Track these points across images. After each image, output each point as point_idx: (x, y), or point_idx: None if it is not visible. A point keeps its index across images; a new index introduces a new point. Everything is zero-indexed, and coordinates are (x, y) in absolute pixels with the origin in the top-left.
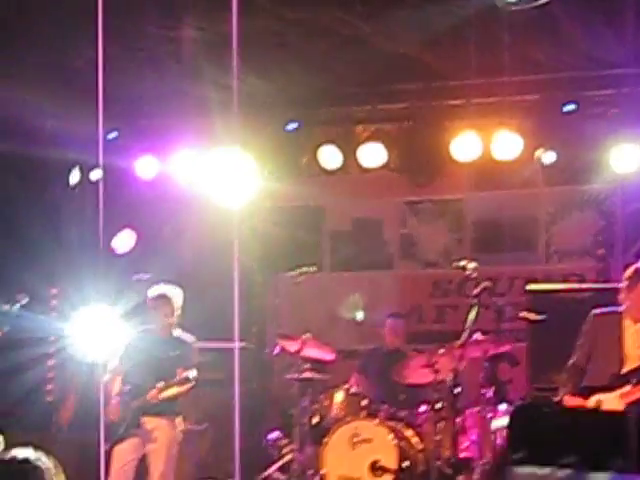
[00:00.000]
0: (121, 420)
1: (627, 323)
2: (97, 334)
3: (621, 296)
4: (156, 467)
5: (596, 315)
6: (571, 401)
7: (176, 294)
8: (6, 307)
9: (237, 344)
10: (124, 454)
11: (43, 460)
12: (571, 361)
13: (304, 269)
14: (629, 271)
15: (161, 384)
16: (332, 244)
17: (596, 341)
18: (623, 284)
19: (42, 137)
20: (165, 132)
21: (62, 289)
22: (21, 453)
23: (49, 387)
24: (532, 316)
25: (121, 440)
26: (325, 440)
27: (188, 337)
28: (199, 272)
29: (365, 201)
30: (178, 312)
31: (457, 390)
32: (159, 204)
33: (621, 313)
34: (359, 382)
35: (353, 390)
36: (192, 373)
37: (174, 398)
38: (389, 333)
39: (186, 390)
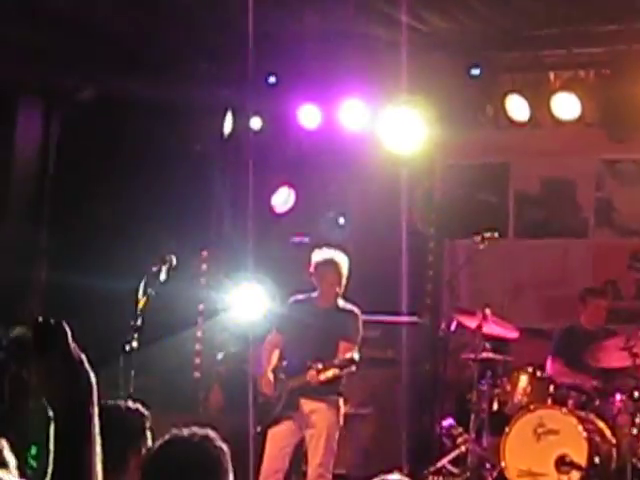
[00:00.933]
0: (277, 399)
1: None
2: (250, 303)
3: None
4: (315, 454)
5: None
6: None
7: (343, 260)
8: (153, 269)
9: (407, 319)
10: (280, 437)
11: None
12: None
13: (485, 235)
14: None
15: (319, 366)
16: (517, 207)
17: None
18: None
19: (194, 80)
20: (329, 77)
21: (213, 252)
22: (200, 430)
23: (197, 361)
24: None
25: (277, 421)
26: (506, 430)
27: (354, 309)
28: (366, 236)
29: (556, 159)
30: (344, 281)
31: None
32: (322, 158)
33: None
34: (553, 366)
35: (539, 374)
36: (356, 354)
37: (335, 379)
38: (589, 312)
39: (348, 373)
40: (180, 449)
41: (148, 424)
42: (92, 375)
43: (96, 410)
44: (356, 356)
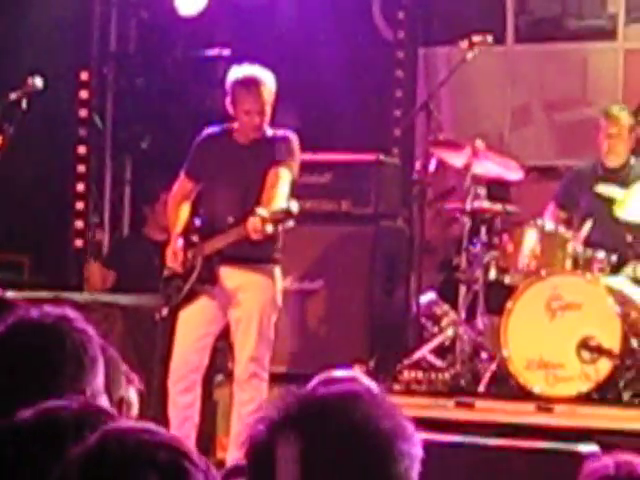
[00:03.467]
0: (188, 269)
1: None
2: None
3: None
4: (244, 345)
5: None
6: None
7: (267, 78)
8: (10, 97)
9: (368, 156)
10: (195, 323)
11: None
12: None
13: (475, 39)
14: None
15: (263, 212)
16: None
17: None
18: None
19: None
20: None
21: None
22: (55, 310)
23: (78, 225)
24: None
25: (189, 300)
26: (508, 306)
27: (287, 133)
28: (306, 44)
29: None
30: (268, 107)
31: None
32: None
33: None
34: (558, 216)
35: (551, 227)
36: (293, 204)
37: (266, 241)
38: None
39: (283, 228)
40: (26, 336)
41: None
42: None
43: None
44: (294, 207)
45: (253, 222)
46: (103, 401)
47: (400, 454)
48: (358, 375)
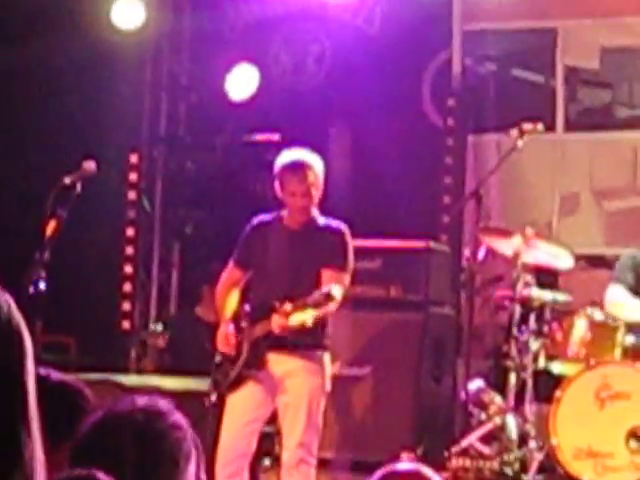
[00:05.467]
0: (236, 354)
1: None
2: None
3: None
4: (292, 431)
5: None
6: None
7: (314, 162)
8: (65, 181)
9: (417, 243)
10: (243, 408)
11: None
12: None
13: (525, 127)
14: None
15: (287, 307)
16: (569, 88)
17: None
18: None
19: None
20: None
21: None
22: (143, 400)
23: (126, 307)
24: None
25: (237, 385)
26: (557, 394)
27: (340, 226)
28: (356, 131)
29: (620, 22)
30: (317, 191)
31: None
32: (297, 26)
33: None
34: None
35: (601, 317)
36: (336, 288)
37: (315, 328)
38: None
39: (328, 313)
40: (117, 433)
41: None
42: (20, 321)
43: (32, 378)
44: (335, 290)
45: (276, 318)
46: None
47: None
48: (422, 468)
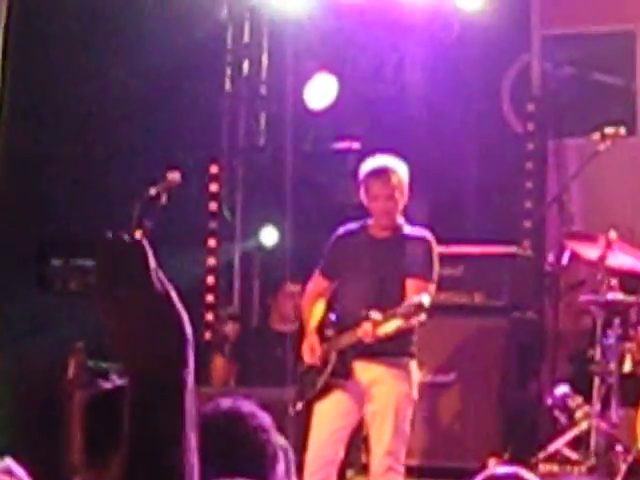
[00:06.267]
0: (323, 363)
1: None
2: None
3: None
4: (380, 439)
5: None
6: None
7: (399, 167)
8: (150, 192)
9: (501, 249)
10: (331, 417)
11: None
12: None
13: (607, 131)
14: None
15: (376, 316)
16: None
17: None
18: None
19: None
20: None
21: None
22: (228, 402)
23: (208, 317)
24: None
25: (324, 394)
26: None
27: (425, 234)
28: (437, 137)
29: None
30: (402, 196)
31: None
32: (374, 35)
33: None
34: None
35: None
36: (425, 297)
37: (401, 335)
38: None
39: (416, 323)
40: (202, 436)
41: None
42: (187, 322)
43: (191, 376)
44: (425, 300)
45: (364, 328)
46: None
47: None
48: (520, 471)
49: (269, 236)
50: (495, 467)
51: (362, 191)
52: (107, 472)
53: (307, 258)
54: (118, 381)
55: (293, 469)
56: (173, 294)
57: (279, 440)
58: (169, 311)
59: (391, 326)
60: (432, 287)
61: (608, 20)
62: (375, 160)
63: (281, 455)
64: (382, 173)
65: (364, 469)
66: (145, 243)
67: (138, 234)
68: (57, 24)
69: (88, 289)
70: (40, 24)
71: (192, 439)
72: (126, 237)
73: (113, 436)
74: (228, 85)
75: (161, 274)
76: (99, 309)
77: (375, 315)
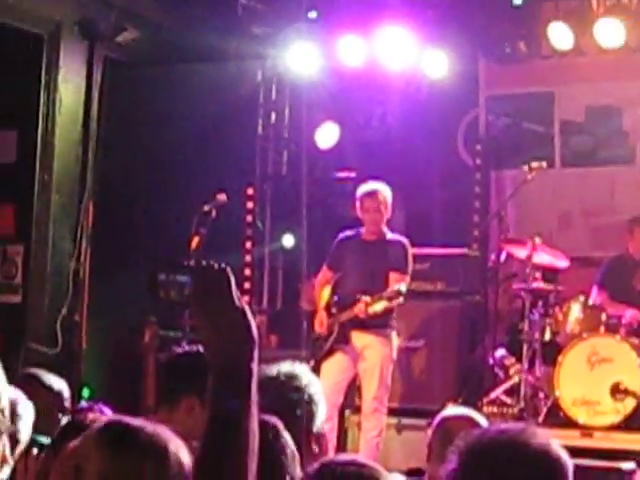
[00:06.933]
0: (328, 332)
1: None
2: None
3: None
4: (369, 388)
5: None
6: None
7: (384, 190)
8: (205, 208)
9: (456, 250)
10: (334, 372)
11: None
12: None
13: (533, 165)
14: None
15: (367, 298)
16: (563, 136)
17: None
18: None
19: (232, 21)
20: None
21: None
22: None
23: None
24: None
25: (329, 355)
26: (559, 359)
27: (402, 239)
28: (410, 170)
29: (601, 86)
30: (387, 211)
31: None
32: (366, 94)
33: None
34: (599, 295)
35: (591, 302)
36: (403, 286)
37: (385, 312)
38: (636, 241)
39: (397, 304)
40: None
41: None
42: (254, 328)
43: (256, 367)
44: (403, 287)
45: (359, 306)
46: None
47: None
48: (472, 412)
49: (289, 241)
50: (450, 408)
51: (357, 207)
52: (175, 414)
53: (317, 257)
54: (187, 347)
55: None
56: (247, 309)
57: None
58: (244, 321)
59: (378, 306)
60: (408, 278)
61: (534, 84)
62: (367, 185)
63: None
64: (372, 193)
65: (358, 410)
66: (229, 270)
67: (196, 239)
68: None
69: (184, 298)
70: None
71: (255, 412)
72: (216, 265)
73: (181, 386)
74: (260, 130)
75: (239, 293)
76: (194, 317)
77: (366, 298)
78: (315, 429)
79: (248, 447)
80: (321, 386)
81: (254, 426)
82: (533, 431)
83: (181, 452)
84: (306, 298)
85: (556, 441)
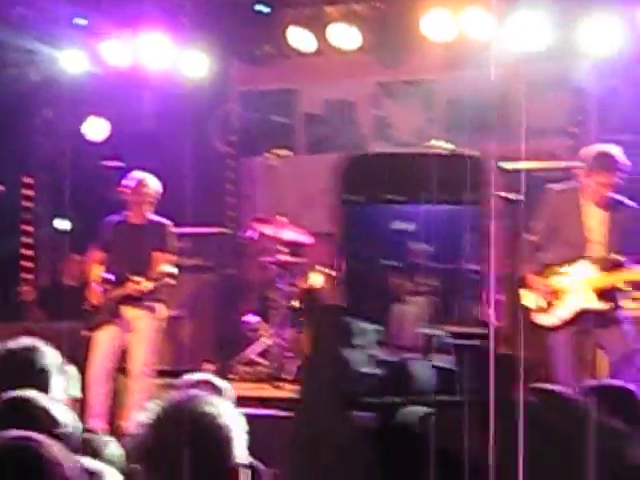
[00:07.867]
0: (102, 306)
1: (583, 202)
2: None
3: (579, 174)
4: (137, 356)
5: (556, 192)
6: (535, 281)
7: (150, 180)
8: None
9: (214, 229)
10: (108, 340)
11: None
12: (532, 238)
13: (279, 152)
14: (591, 152)
15: (137, 278)
16: (306, 127)
17: (556, 218)
18: (583, 164)
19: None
20: (134, 15)
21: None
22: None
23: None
24: (512, 195)
25: (100, 326)
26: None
27: (164, 221)
28: (175, 161)
29: (338, 83)
30: (152, 199)
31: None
32: (134, 92)
33: (578, 190)
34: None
35: (330, 272)
36: (173, 268)
37: (153, 290)
38: None
39: (165, 284)
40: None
41: None
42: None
43: None
44: (169, 269)
45: (129, 285)
46: None
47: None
48: (212, 377)
49: (62, 224)
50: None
51: (125, 192)
52: None
53: (87, 238)
54: None
55: None
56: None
57: None
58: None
59: (148, 285)
60: (172, 257)
61: (281, 81)
62: (134, 173)
63: None
64: (138, 181)
65: (128, 372)
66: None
67: None
68: None
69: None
70: None
71: None
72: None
73: None
74: (37, 124)
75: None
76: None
77: (137, 278)
78: None
79: None
80: (96, 353)
81: None
82: (206, 399)
83: None
84: (69, 274)
85: (223, 408)
